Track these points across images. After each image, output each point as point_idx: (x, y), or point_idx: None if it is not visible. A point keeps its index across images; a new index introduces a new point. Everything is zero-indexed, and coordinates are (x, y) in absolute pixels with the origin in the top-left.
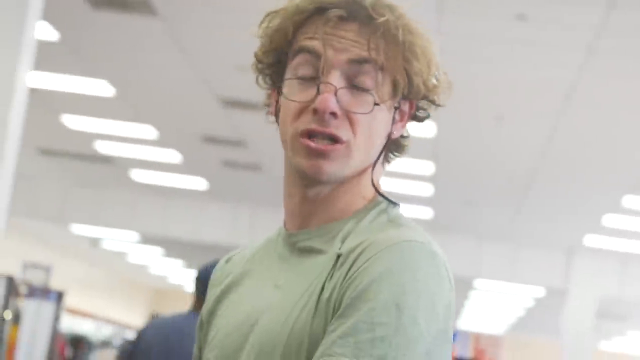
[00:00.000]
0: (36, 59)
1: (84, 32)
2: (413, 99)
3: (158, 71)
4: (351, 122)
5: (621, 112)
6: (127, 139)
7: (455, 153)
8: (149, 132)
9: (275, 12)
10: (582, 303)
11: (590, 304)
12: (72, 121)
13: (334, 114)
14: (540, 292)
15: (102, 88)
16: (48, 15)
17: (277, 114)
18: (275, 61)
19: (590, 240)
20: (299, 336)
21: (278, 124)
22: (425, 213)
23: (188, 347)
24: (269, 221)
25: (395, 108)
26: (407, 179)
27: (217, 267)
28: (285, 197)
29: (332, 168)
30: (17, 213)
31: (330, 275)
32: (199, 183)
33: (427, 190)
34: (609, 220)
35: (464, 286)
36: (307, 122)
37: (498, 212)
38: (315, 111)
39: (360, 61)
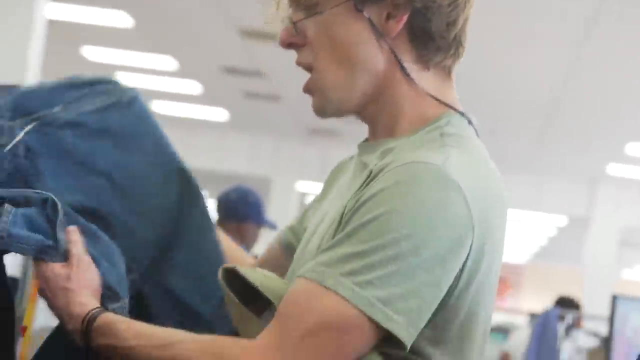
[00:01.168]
0: None
1: None
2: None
3: (177, 1)
4: (310, 45)
5: None
6: (147, 70)
7: (475, 79)
8: (169, 63)
9: None
10: (605, 232)
11: (613, 232)
12: (92, 53)
13: (291, 44)
14: (563, 221)
15: (121, 19)
16: None
17: None
18: None
19: (613, 169)
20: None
21: None
22: None
23: None
24: (289, 151)
25: (359, 10)
26: None
27: (340, 161)
28: None
29: (316, 101)
30: None
31: (357, 191)
32: (219, 114)
33: None
34: (632, 148)
35: (481, 213)
36: None
37: (521, 142)
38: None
39: None
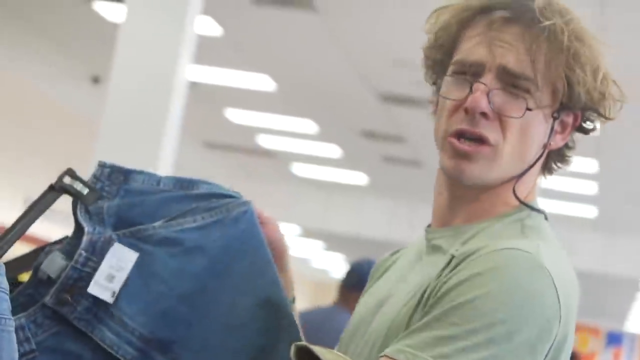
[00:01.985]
0: (200, 53)
1: (246, 27)
2: (575, 109)
3: (317, 66)
4: (502, 125)
5: None
6: (288, 133)
7: (621, 148)
8: (310, 126)
9: (444, 8)
10: None
11: None
12: (235, 115)
13: (484, 115)
14: None
15: (263, 82)
16: (211, 11)
17: (436, 112)
18: (439, 58)
19: None
20: (397, 329)
21: None
22: (590, 212)
23: (324, 341)
24: (428, 217)
25: (554, 118)
26: (570, 177)
27: (381, 259)
28: (435, 195)
29: (475, 171)
30: None
31: (439, 275)
32: (359, 178)
33: (590, 188)
34: None
35: (630, 287)
36: (458, 122)
37: None
38: (467, 110)
39: (517, 73)
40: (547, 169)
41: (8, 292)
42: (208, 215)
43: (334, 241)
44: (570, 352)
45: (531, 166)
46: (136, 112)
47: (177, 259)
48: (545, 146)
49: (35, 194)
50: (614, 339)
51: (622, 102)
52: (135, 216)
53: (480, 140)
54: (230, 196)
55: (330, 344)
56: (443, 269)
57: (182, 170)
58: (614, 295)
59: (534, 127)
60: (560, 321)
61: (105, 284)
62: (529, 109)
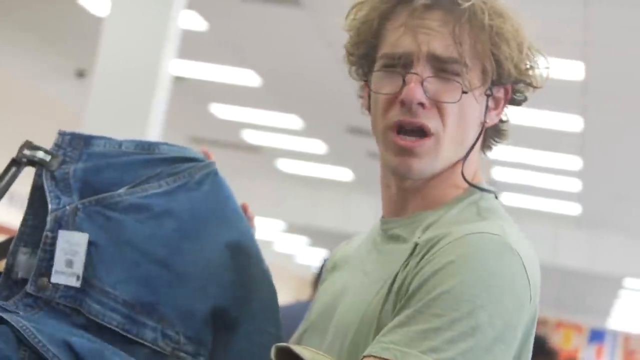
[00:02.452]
0: (185, 48)
1: (232, 22)
2: (505, 84)
3: (303, 62)
4: (440, 112)
5: None
6: (273, 128)
7: (604, 146)
8: (295, 122)
9: (361, 3)
10: None
11: None
12: (220, 110)
13: (421, 104)
14: None
15: (249, 78)
16: (196, 5)
17: (369, 108)
18: (364, 53)
19: None
20: (369, 320)
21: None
22: (573, 209)
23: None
24: None
25: (487, 95)
26: (554, 174)
27: (335, 249)
28: (382, 187)
29: (421, 165)
30: None
31: (405, 264)
32: (344, 174)
33: (574, 186)
34: None
35: (613, 285)
36: (395, 115)
37: None
38: (403, 102)
39: (445, 58)
40: (485, 145)
41: None
42: (172, 180)
43: (318, 237)
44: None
45: (472, 146)
46: (120, 107)
47: (146, 224)
48: (482, 124)
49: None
50: (597, 336)
51: (548, 70)
52: (102, 180)
53: (421, 132)
54: (192, 159)
55: None
56: (409, 258)
57: None
58: (597, 293)
59: (470, 109)
60: (531, 300)
61: (66, 270)
62: (464, 92)
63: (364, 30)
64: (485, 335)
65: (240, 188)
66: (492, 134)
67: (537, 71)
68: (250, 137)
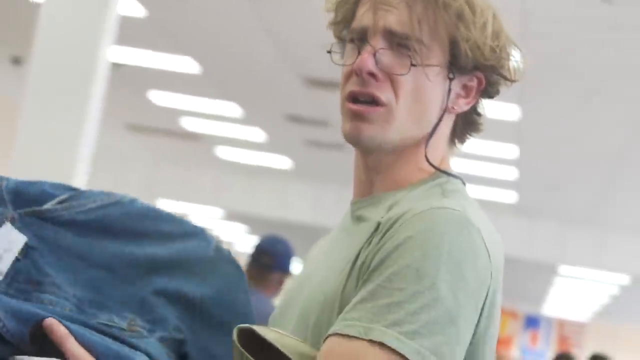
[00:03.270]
0: (123, 35)
1: (170, 9)
2: (468, 69)
3: (243, 49)
4: (393, 84)
5: None
6: (212, 116)
7: (540, 136)
8: (234, 109)
9: None
10: None
11: None
12: (159, 97)
13: (372, 75)
14: (625, 279)
15: (187, 65)
16: None
17: None
18: (343, 33)
19: None
20: (332, 298)
21: None
22: (510, 197)
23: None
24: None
25: (450, 79)
26: (491, 162)
27: (315, 244)
28: (354, 168)
29: (371, 131)
30: (105, 188)
31: (368, 242)
32: (283, 162)
33: (511, 174)
34: None
35: (547, 272)
36: (351, 85)
37: (584, 197)
38: (356, 72)
39: (399, 33)
40: (457, 136)
41: None
42: (106, 197)
43: (257, 225)
44: (499, 309)
45: (434, 129)
46: (58, 94)
47: (84, 237)
48: (446, 109)
49: None
50: (532, 322)
51: (525, 63)
52: (34, 191)
53: (374, 102)
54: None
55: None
56: (371, 235)
57: (105, 152)
58: (532, 279)
59: (426, 87)
60: (491, 275)
61: None
62: (413, 65)
63: (341, 10)
64: (447, 307)
65: (179, 175)
66: (465, 125)
67: (505, 61)
68: (189, 124)
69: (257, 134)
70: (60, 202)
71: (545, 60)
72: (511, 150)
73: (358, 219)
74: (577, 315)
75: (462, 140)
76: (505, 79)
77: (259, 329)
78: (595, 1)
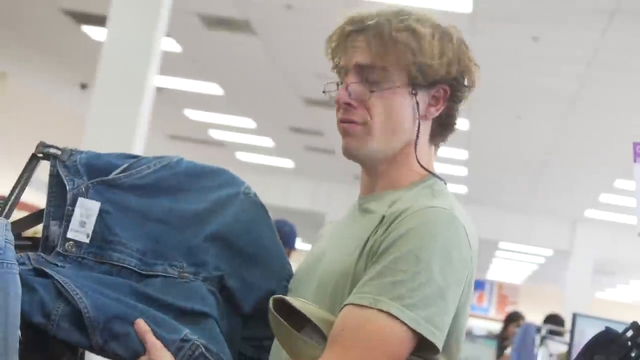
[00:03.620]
0: (164, 66)
1: (201, 46)
2: (428, 84)
3: (256, 77)
4: (367, 108)
5: (612, 115)
6: (233, 128)
7: (484, 143)
8: (249, 123)
9: (330, 37)
10: (582, 262)
11: (589, 262)
12: (192, 114)
13: (348, 104)
14: (549, 252)
15: (214, 89)
16: (174, 33)
17: None
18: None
19: (590, 213)
20: (346, 274)
21: None
22: (461, 190)
23: None
24: (340, 195)
25: (414, 94)
26: (446, 163)
27: (322, 229)
28: (361, 174)
29: (354, 144)
30: None
31: (375, 230)
32: (287, 163)
33: (462, 171)
34: (605, 198)
35: (490, 247)
36: (339, 113)
37: (517, 189)
38: (338, 103)
39: (363, 65)
40: (436, 138)
41: (13, 244)
42: (157, 162)
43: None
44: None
45: (418, 136)
46: (115, 112)
47: (144, 198)
48: (420, 118)
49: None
50: (478, 285)
51: (477, 71)
52: (102, 164)
53: (354, 123)
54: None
55: None
56: (377, 226)
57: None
58: (479, 253)
59: (397, 105)
60: (471, 261)
61: (79, 229)
62: (372, 91)
63: (332, 56)
64: (438, 285)
65: None
66: (440, 128)
67: (472, 72)
68: (215, 134)
69: (267, 142)
70: (123, 171)
71: (486, 84)
72: (462, 154)
73: (365, 210)
74: (513, 279)
75: (441, 141)
76: (466, 87)
77: (288, 298)
78: (526, 39)
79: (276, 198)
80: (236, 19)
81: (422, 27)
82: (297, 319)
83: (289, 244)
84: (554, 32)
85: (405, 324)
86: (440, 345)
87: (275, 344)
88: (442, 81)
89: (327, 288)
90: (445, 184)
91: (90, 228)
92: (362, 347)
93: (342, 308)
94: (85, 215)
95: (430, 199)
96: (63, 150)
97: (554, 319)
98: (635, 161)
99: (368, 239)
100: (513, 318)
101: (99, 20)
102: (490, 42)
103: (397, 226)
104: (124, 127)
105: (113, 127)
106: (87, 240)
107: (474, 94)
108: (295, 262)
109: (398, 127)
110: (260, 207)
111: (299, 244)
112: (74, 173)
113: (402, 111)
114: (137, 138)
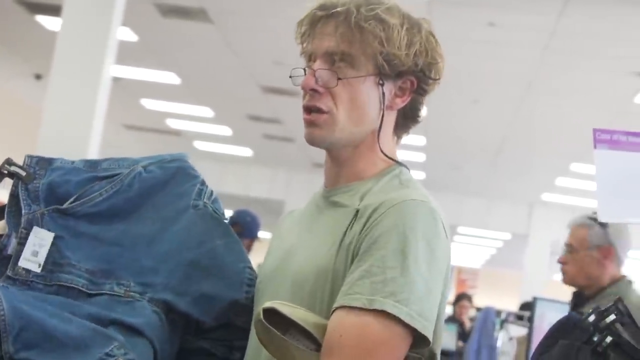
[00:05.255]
0: (120, 56)
1: (157, 35)
2: (395, 75)
3: (213, 65)
4: (332, 96)
5: (568, 99)
6: (190, 116)
7: (441, 128)
8: (207, 112)
9: (300, 21)
10: (539, 245)
11: (546, 245)
12: (149, 104)
13: (314, 90)
14: (507, 236)
15: (170, 78)
16: (129, 22)
17: None
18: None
19: (546, 196)
20: (324, 271)
21: None
22: (419, 175)
23: None
24: (299, 182)
25: (380, 84)
26: (403, 149)
27: (281, 218)
28: (325, 163)
29: (320, 133)
30: None
31: (351, 225)
32: (245, 151)
33: (420, 157)
34: (561, 182)
35: (449, 231)
36: (304, 100)
37: (475, 175)
38: (303, 89)
39: (331, 52)
40: (400, 129)
41: None
42: (110, 187)
43: (227, 201)
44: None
45: (381, 126)
46: (71, 102)
47: (97, 224)
48: (385, 109)
49: None
50: None
51: (442, 62)
52: (61, 192)
53: (319, 111)
54: (122, 172)
55: None
56: (352, 220)
57: (107, 146)
58: None
59: (363, 94)
60: (448, 250)
61: (31, 258)
62: (339, 79)
63: (301, 41)
64: (426, 279)
65: None
66: (405, 119)
67: (438, 65)
68: (172, 124)
69: (225, 130)
70: (76, 199)
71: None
72: (420, 140)
73: (334, 204)
74: (472, 263)
75: (404, 132)
76: (431, 79)
77: (278, 307)
78: (483, 24)
79: (235, 187)
80: (192, 7)
81: (390, 16)
82: (280, 324)
83: (252, 234)
84: (509, 16)
85: (402, 321)
86: (431, 337)
87: (254, 347)
88: (408, 72)
89: (304, 286)
90: (409, 169)
91: (42, 258)
92: (364, 354)
93: (333, 311)
94: (38, 244)
95: (402, 190)
96: (27, 172)
97: (528, 307)
98: (595, 147)
99: (345, 234)
100: (457, 299)
101: (53, 10)
102: (446, 28)
103: (377, 222)
104: (80, 118)
105: (69, 118)
106: (38, 270)
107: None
108: (260, 252)
109: (363, 117)
110: (210, 218)
111: (261, 232)
112: (33, 198)
113: (368, 101)
114: (94, 129)
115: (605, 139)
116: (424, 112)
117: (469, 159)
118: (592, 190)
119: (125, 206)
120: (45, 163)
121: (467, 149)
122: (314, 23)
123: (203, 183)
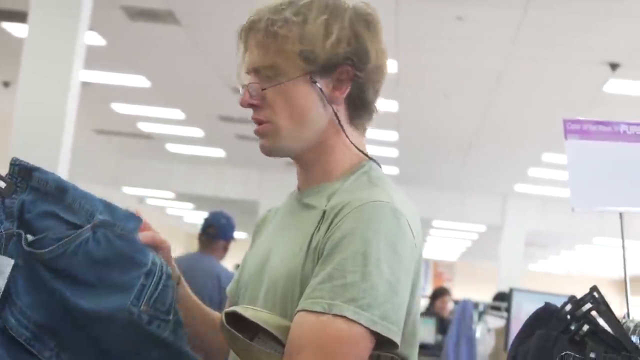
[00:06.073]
0: (88, 60)
1: (125, 39)
2: (323, 69)
3: (183, 68)
4: (269, 106)
5: (538, 90)
6: (161, 119)
7: (414, 124)
8: (178, 114)
9: (238, 36)
10: (514, 236)
11: (520, 236)
12: (120, 108)
13: (251, 105)
14: (482, 228)
15: (140, 81)
16: (96, 26)
17: None
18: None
19: (519, 187)
20: (294, 276)
21: None
22: (392, 171)
23: (195, 278)
24: (273, 182)
25: (314, 82)
26: (376, 145)
27: (258, 220)
28: (295, 165)
29: (267, 143)
30: (79, 180)
31: (318, 228)
32: (218, 152)
33: (392, 153)
34: (534, 172)
35: (424, 225)
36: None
37: (448, 168)
38: (242, 105)
39: (257, 67)
40: (355, 120)
41: None
42: (57, 247)
43: (200, 202)
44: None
45: (339, 122)
46: (41, 108)
47: (53, 277)
48: (331, 104)
49: None
50: None
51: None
52: (28, 219)
53: (261, 122)
54: (79, 226)
55: (199, 281)
56: (319, 222)
57: (78, 151)
58: None
59: (299, 96)
60: (416, 247)
61: None
62: (263, 89)
63: (242, 59)
64: (389, 282)
65: (138, 167)
66: (355, 109)
67: (369, 49)
68: (144, 127)
69: (197, 132)
70: (37, 239)
71: (413, 65)
72: (392, 135)
73: (305, 206)
74: (447, 256)
75: (366, 123)
76: (364, 64)
77: (239, 310)
78: (451, 19)
79: (209, 188)
80: (160, 10)
81: (308, 11)
82: (249, 328)
83: (227, 236)
84: (477, 10)
85: (362, 325)
86: (398, 339)
87: (232, 355)
88: (338, 63)
89: (276, 291)
90: (379, 165)
91: (1, 285)
92: (323, 354)
93: (295, 314)
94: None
95: (368, 189)
96: (9, 184)
97: (502, 297)
98: (566, 138)
99: (312, 237)
100: (438, 294)
101: (19, 17)
102: (415, 23)
103: (339, 225)
104: (50, 124)
105: (39, 124)
106: None
107: (401, 75)
108: (240, 252)
109: (306, 118)
110: (146, 331)
111: (236, 233)
112: (8, 214)
113: (305, 102)
114: (65, 134)
115: (575, 129)
116: (395, 107)
117: (441, 153)
118: (565, 179)
119: (68, 272)
120: (27, 174)
121: (439, 143)
122: (244, 37)
123: (149, 274)
